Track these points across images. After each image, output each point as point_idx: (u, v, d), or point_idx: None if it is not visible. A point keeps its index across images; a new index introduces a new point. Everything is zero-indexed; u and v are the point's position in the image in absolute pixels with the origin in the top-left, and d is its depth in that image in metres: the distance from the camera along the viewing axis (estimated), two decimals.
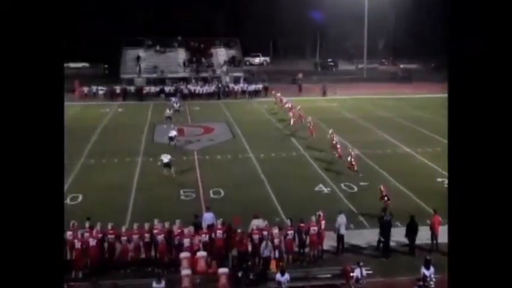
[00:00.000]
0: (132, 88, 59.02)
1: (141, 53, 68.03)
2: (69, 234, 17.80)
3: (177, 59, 67.78)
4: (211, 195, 25.07)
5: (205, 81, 63.08)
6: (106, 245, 18.17)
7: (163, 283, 15.87)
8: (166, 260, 18.16)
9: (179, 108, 46.97)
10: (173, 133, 34.54)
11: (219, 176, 28.09)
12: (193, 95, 57.84)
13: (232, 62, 68.31)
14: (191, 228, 18.53)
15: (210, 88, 59.58)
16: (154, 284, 15.82)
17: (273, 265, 17.71)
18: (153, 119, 44.76)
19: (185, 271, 16.98)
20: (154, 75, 64.13)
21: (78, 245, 17.59)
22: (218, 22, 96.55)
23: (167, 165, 27.90)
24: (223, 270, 16.94)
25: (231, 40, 72.78)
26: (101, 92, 57.48)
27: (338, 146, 30.85)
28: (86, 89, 57.70)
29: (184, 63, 66.60)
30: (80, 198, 24.54)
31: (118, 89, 57.90)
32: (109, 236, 18.22)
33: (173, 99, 49.12)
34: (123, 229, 18.80)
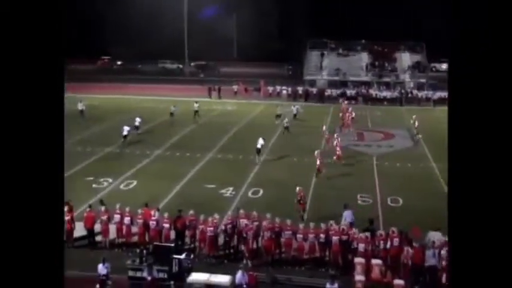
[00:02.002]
0: (314, 90, 59.97)
1: (325, 55, 68.75)
2: (243, 222, 18.89)
3: (359, 63, 67.33)
4: (389, 203, 24.45)
5: (387, 86, 61.76)
6: (283, 240, 18.68)
7: (336, 285, 15.82)
8: (340, 262, 18.11)
9: (297, 112, 46.49)
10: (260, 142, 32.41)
11: (398, 184, 27.29)
12: (374, 100, 56.97)
13: (416, 67, 65.92)
14: (368, 234, 18.24)
15: (393, 93, 58.18)
16: (327, 285, 15.82)
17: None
18: (334, 121, 44.90)
19: (359, 277, 16.77)
20: (336, 78, 64.43)
21: (250, 235, 18.61)
22: (403, 26, 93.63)
23: (259, 151, 31.27)
24: (398, 281, 16.39)
25: (416, 44, 70.13)
26: (284, 92, 59.26)
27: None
28: (270, 89, 59.95)
29: (366, 67, 65.93)
30: (261, 192, 25.55)
31: (300, 89, 59.24)
32: (286, 232, 18.71)
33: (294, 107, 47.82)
34: (300, 227, 19.14)
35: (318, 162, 28.12)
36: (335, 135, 33.59)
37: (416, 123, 39.03)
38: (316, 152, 29.11)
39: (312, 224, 18.89)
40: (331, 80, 64.43)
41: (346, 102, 50.02)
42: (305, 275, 17.60)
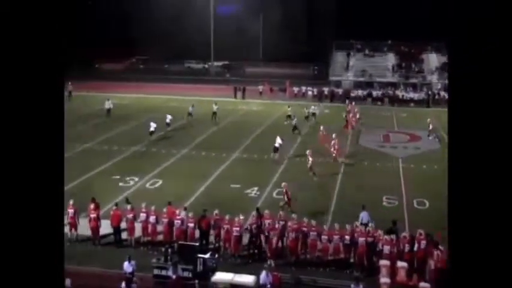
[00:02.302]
0: (339, 90, 59.65)
1: (351, 56, 68.33)
2: (267, 223, 18.96)
3: (386, 64, 66.75)
4: (415, 205, 24.16)
5: (414, 87, 61.09)
6: (309, 241, 18.62)
7: (361, 287, 15.69)
8: (365, 264, 17.95)
9: (315, 111, 46.09)
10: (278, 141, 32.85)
11: (424, 186, 26.92)
12: (401, 101, 56.38)
13: (444, 68, 65.00)
14: (393, 236, 18.04)
15: (420, 95, 57.52)
16: (352, 287, 15.73)
17: None
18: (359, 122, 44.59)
19: (384, 279, 16.61)
20: (362, 79, 63.98)
21: (272, 235, 18.64)
22: (430, 26, 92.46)
23: (276, 149, 31.64)
24: (424, 285, 16.18)
25: (443, 45, 69.15)
26: (309, 93, 59.07)
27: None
28: (296, 89, 59.82)
29: (393, 68, 65.32)
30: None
31: (326, 90, 58.97)
32: (311, 232, 18.64)
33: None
34: (325, 227, 19.04)
35: (309, 161, 28.11)
36: (333, 135, 33.17)
37: (431, 126, 38.66)
38: (307, 151, 29.02)
39: (336, 225, 18.78)
40: (357, 81, 63.99)
41: (353, 103, 49.32)
42: (330, 277, 17.50)
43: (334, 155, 31.29)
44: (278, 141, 32.37)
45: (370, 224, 19.04)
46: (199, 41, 79.56)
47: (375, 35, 71.81)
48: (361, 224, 19.57)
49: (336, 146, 31.70)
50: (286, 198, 22.62)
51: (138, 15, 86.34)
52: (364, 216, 20.22)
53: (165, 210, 20.01)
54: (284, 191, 22.92)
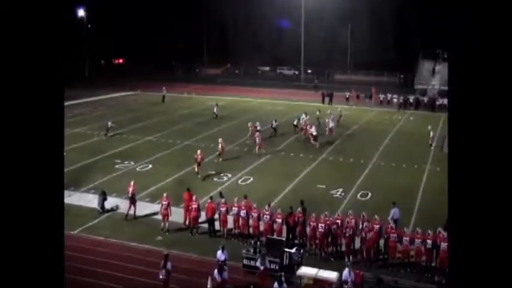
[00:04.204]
0: (425, 98, 57.57)
1: (437, 65, 65.84)
2: (348, 221, 18.73)
3: None
4: None
5: None
6: (390, 243, 18.13)
7: None
8: (446, 269, 17.20)
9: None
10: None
11: None
12: None
13: None
14: None
15: None
16: None
17: None
18: (444, 130, 42.75)
19: None
20: (447, 88, 61.39)
21: (349, 232, 18.51)
22: None
23: (315, 137, 34.69)
24: None
25: None
26: (395, 100, 57.49)
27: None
28: (381, 96, 58.42)
29: None
30: (369, 195, 24.99)
31: (411, 98, 57.11)
32: (391, 234, 18.14)
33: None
34: (406, 230, 18.46)
35: (257, 141, 33.06)
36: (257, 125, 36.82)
37: (431, 134, 36.65)
38: (219, 139, 31.74)
39: (419, 230, 18.14)
40: (442, 89, 61.49)
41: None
42: (411, 279, 16.94)
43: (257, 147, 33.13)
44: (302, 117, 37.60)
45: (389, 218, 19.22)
46: (292, 49, 79.84)
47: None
48: (392, 219, 19.50)
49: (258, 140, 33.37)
50: (220, 150, 30.14)
51: (239, 29, 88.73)
52: (395, 212, 20.16)
53: (236, 200, 20.37)
54: (220, 146, 30.48)
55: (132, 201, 21.84)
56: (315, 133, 35.64)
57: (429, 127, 38.02)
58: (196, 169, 27.85)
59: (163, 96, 55.76)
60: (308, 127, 37.35)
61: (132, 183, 22.34)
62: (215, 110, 45.68)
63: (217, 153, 31.14)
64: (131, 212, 21.83)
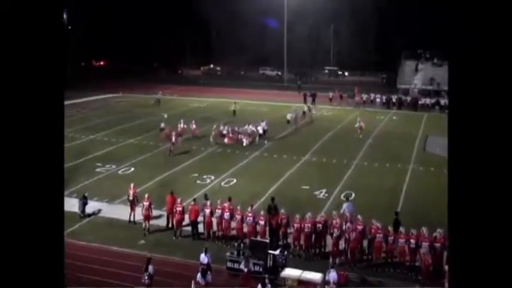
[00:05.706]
0: (407, 98, 58.00)
1: (419, 65, 66.42)
2: (335, 222, 18.65)
3: None
4: None
5: None
6: (375, 243, 18.13)
7: None
8: (430, 269, 17.25)
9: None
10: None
11: None
12: None
13: None
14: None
15: None
16: None
17: None
18: (426, 129, 43.12)
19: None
20: (430, 87, 61.93)
21: (336, 233, 18.45)
22: None
23: (288, 121, 36.38)
24: None
25: None
26: (377, 100, 57.81)
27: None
28: (364, 96, 58.70)
29: None
30: (352, 196, 25.03)
31: (394, 98, 57.50)
32: (377, 235, 18.15)
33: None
34: (390, 229, 18.51)
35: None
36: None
37: (359, 124, 39.07)
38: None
39: (402, 229, 18.17)
40: (425, 89, 62.04)
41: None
42: (396, 279, 16.96)
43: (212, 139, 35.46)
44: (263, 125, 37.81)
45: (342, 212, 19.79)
46: (274, 50, 79.85)
47: (442, 45, 69.30)
48: (343, 213, 19.81)
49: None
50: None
51: (220, 29, 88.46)
52: (347, 207, 20.40)
53: (225, 204, 20.15)
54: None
55: (133, 204, 21.63)
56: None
57: (358, 119, 40.73)
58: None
59: (159, 100, 55.32)
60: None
61: (132, 185, 22.11)
62: (233, 108, 48.41)
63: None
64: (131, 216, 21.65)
